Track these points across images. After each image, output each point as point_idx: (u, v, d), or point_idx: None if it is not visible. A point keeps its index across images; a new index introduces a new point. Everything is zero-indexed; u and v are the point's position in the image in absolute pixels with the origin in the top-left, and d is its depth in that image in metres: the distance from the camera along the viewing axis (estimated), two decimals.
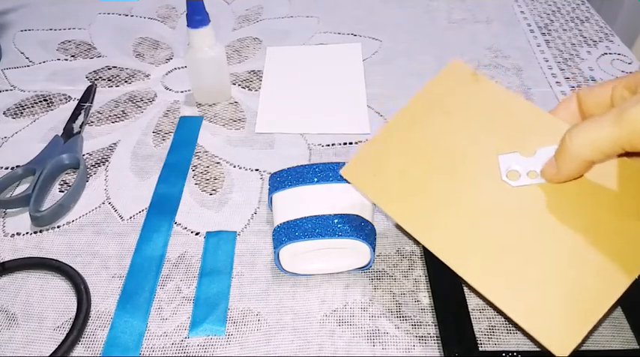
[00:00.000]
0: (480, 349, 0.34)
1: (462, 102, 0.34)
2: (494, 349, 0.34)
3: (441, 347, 0.34)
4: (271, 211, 0.41)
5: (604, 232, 0.29)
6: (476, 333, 0.34)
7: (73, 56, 0.61)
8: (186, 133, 0.51)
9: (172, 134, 0.51)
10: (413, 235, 0.33)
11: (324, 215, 0.37)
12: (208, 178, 0.46)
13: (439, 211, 0.32)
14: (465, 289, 0.37)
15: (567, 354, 0.27)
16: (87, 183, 0.46)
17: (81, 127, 0.51)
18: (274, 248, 0.37)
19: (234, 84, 0.57)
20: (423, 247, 0.39)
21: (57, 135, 0.49)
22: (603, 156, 0.27)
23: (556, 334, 0.27)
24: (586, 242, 0.29)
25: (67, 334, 0.35)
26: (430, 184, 0.33)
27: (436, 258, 0.36)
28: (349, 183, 0.37)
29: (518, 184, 0.30)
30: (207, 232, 0.42)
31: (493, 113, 0.33)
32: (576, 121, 0.32)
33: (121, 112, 0.53)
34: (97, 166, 0.48)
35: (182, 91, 0.56)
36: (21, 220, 0.43)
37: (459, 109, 0.34)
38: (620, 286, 0.28)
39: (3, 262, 0.39)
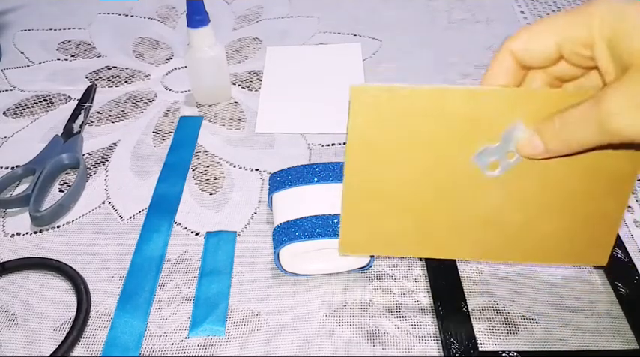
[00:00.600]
0: (480, 349, 0.34)
1: (396, 128, 0.29)
2: (494, 349, 0.34)
3: (441, 347, 0.34)
4: (271, 211, 0.41)
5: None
6: (476, 333, 0.34)
7: (73, 56, 0.61)
8: (186, 133, 0.51)
9: (172, 134, 0.51)
10: (439, 256, 0.33)
11: (324, 215, 0.37)
12: (208, 178, 0.46)
13: (443, 228, 0.32)
14: (465, 289, 0.37)
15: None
16: (87, 183, 0.46)
17: (81, 127, 0.51)
18: (274, 248, 0.37)
19: (234, 84, 0.57)
20: None
21: (57, 135, 0.49)
22: (589, 149, 0.26)
23: (591, 252, 0.31)
24: (575, 191, 0.30)
25: (67, 334, 0.35)
26: (420, 209, 0.32)
27: (436, 258, 0.36)
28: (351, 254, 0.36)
29: (504, 170, 0.30)
30: (207, 232, 0.42)
31: (436, 123, 0.29)
32: (515, 77, 0.29)
33: (121, 112, 0.53)
34: (97, 166, 0.48)
35: (182, 91, 0.56)
36: (21, 220, 0.43)
37: (399, 136, 0.30)
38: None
39: (3, 262, 0.39)
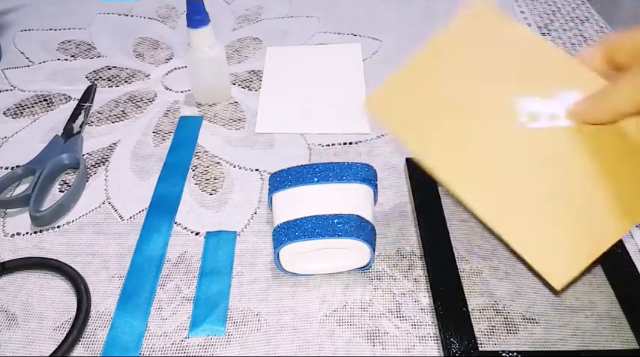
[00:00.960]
0: (480, 349, 0.34)
1: (485, 42, 0.33)
2: (494, 349, 0.34)
3: (441, 347, 0.34)
4: (271, 211, 0.41)
5: (616, 180, 0.30)
6: (476, 333, 0.34)
7: (73, 56, 0.61)
8: (186, 133, 0.51)
9: (172, 134, 0.51)
10: (429, 167, 0.33)
11: (324, 215, 0.37)
12: (208, 178, 0.46)
13: (456, 149, 0.33)
14: (465, 289, 0.37)
15: (562, 286, 0.30)
16: (87, 183, 0.46)
17: (81, 127, 0.51)
18: (274, 248, 0.37)
19: (234, 84, 0.57)
20: (423, 246, 0.39)
21: (57, 135, 0.49)
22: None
23: (555, 268, 0.30)
24: (597, 187, 0.30)
25: (67, 334, 0.35)
26: (449, 123, 0.33)
27: (436, 258, 0.37)
28: (372, 114, 0.37)
29: (537, 127, 0.31)
30: (207, 232, 0.42)
31: (517, 56, 0.32)
32: (602, 68, 0.31)
33: (121, 112, 0.53)
34: (97, 166, 0.48)
35: (182, 91, 0.56)
36: (21, 220, 0.43)
37: (482, 49, 0.33)
38: (621, 231, 0.30)
39: (3, 262, 0.39)
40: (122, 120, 0.53)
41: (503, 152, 0.32)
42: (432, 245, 0.39)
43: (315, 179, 0.39)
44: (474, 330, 0.34)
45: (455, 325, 0.34)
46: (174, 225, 0.43)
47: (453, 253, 0.38)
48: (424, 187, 0.43)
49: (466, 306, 0.35)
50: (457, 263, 0.38)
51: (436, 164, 0.33)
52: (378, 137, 0.50)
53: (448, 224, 0.40)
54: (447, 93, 0.33)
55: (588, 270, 0.33)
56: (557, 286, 0.30)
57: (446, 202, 0.43)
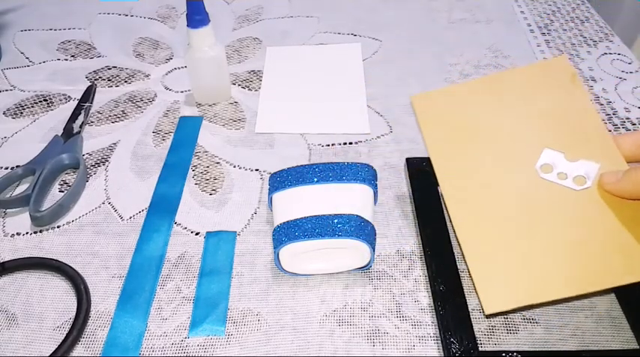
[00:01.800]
0: (480, 349, 0.34)
1: (543, 91, 0.36)
2: (494, 349, 0.34)
3: (441, 347, 0.34)
4: (271, 211, 0.41)
5: (598, 243, 0.31)
6: (476, 333, 0.34)
7: (73, 56, 0.61)
8: (186, 133, 0.51)
9: (172, 134, 0.51)
10: (436, 171, 0.36)
11: (324, 215, 0.37)
12: (208, 178, 0.46)
13: (467, 166, 0.36)
14: (465, 289, 0.37)
15: (491, 312, 0.31)
16: (87, 183, 0.46)
17: (81, 127, 0.51)
18: (274, 248, 0.37)
19: (234, 84, 0.57)
20: (423, 247, 0.39)
21: (57, 135, 0.49)
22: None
23: (495, 296, 0.31)
24: (577, 243, 0.32)
25: (67, 334, 0.35)
26: (474, 150, 0.36)
27: (436, 258, 0.37)
28: (414, 109, 0.40)
29: (547, 178, 0.33)
30: (207, 232, 0.42)
31: (564, 114, 0.34)
32: (631, 152, 0.33)
33: (121, 112, 0.53)
34: (97, 166, 0.48)
35: (182, 91, 0.56)
36: (21, 220, 0.43)
37: (538, 96, 0.36)
38: (574, 290, 0.31)
39: (3, 262, 0.39)
40: (122, 120, 0.53)
41: (506, 184, 0.34)
42: (432, 245, 0.39)
43: (315, 179, 0.39)
44: (474, 330, 0.34)
45: (455, 325, 0.34)
46: (174, 225, 0.43)
47: (453, 253, 0.38)
48: (424, 187, 0.43)
49: (466, 306, 0.35)
50: (457, 263, 0.38)
51: (443, 173, 0.36)
52: (378, 137, 0.50)
53: (448, 224, 0.41)
54: (486, 120, 0.36)
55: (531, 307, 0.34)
56: (487, 311, 0.31)
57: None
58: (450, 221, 0.35)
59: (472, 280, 0.32)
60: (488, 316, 0.34)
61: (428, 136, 0.37)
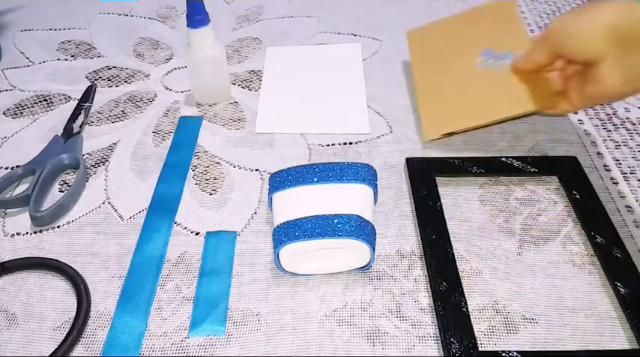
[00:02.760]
0: (480, 349, 0.34)
1: (485, 22, 0.52)
2: (494, 349, 0.34)
3: (440, 347, 0.34)
4: (271, 211, 0.41)
5: (517, 86, 0.45)
6: (476, 333, 0.34)
7: (73, 56, 0.61)
8: (186, 133, 0.51)
9: (172, 134, 0.51)
10: (411, 60, 0.55)
11: (324, 215, 0.37)
12: (208, 178, 0.46)
13: (432, 62, 0.53)
14: (465, 289, 0.37)
15: (428, 139, 0.48)
16: (87, 183, 0.46)
17: (81, 127, 0.51)
18: (274, 248, 0.37)
19: (234, 84, 0.57)
20: (423, 247, 0.39)
21: (57, 135, 0.49)
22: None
23: (432, 128, 0.48)
24: (491, 90, 0.47)
25: (67, 334, 0.35)
26: (439, 54, 0.53)
27: (436, 258, 0.37)
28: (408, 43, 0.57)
29: (483, 66, 0.49)
30: (207, 232, 0.42)
31: (499, 32, 0.51)
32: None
33: (120, 112, 0.53)
34: (97, 166, 0.48)
35: (182, 91, 0.56)
36: (21, 220, 0.43)
37: (480, 25, 0.52)
38: (486, 119, 0.46)
39: (3, 262, 0.39)
40: (122, 120, 0.53)
41: (455, 64, 0.50)
42: (432, 245, 0.39)
43: (315, 179, 0.39)
44: (474, 330, 0.34)
45: (455, 325, 0.34)
46: (174, 225, 0.43)
47: (453, 254, 0.38)
48: (424, 187, 0.43)
49: (466, 306, 0.35)
50: (457, 263, 0.38)
51: (415, 59, 0.54)
52: (378, 137, 0.50)
53: (448, 224, 0.41)
54: (452, 41, 0.53)
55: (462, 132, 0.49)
56: (427, 138, 0.48)
57: (446, 202, 0.43)
58: (413, 79, 0.53)
59: (420, 118, 0.50)
60: (429, 141, 0.48)
61: (412, 50, 0.56)
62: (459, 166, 0.45)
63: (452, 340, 0.33)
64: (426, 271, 0.38)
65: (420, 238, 0.40)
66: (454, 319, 0.35)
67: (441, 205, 0.42)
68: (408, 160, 0.45)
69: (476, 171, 0.44)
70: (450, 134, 0.48)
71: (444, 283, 0.36)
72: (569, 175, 0.44)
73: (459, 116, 0.47)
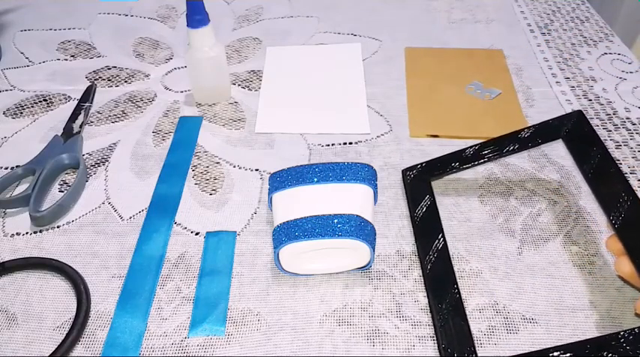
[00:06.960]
0: (480, 349, 0.34)
1: (486, 65, 0.59)
2: (494, 349, 0.34)
3: (440, 347, 0.34)
4: (271, 211, 0.41)
5: (481, 116, 0.52)
6: (476, 333, 0.34)
7: (72, 56, 0.61)
8: (186, 133, 0.51)
9: (172, 134, 0.51)
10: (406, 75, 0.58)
11: (324, 215, 0.37)
12: (208, 178, 0.46)
13: (425, 82, 0.56)
14: (465, 289, 0.37)
15: (413, 136, 0.50)
16: (87, 183, 0.46)
17: (81, 127, 0.51)
18: (274, 248, 0.37)
19: (234, 84, 0.57)
20: (418, 251, 0.39)
21: (57, 135, 0.49)
22: None
23: (417, 129, 0.51)
24: (473, 114, 0.52)
25: (67, 334, 0.35)
26: (432, 78, 0.57)
27: (436, 258, 0.36)
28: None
29: (472, 93, 0.54)
30: (207, 232, 0.42)
31: (490, 71, 0.57)
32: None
33: (120, 112, 0.53)
34: (96, 166, 0.48)
35: (182, 91, 0.56)
36: (21, 220, 0.43)
37: (476, 63, 0.59)
38: (464, 134, 0.50)
39: (3, 262, 0.39)
40: (122, 120, 0.53)
41: (450, 90, 0.55)
42: (428, 250, 0.39)
43: (315, 179, 0.39)
44: (474, 330, 0.34)
45: (454, 325, 0.34)
46: (174, 225, 0.43)
47: (449, 254, 0.38)
48: (420, 201, 0.43)
49: (465, 306, 0.35)
50: (457, 263, 0.38)
51: (411, 82, 0.57)
52: (378, 137, 0.50)
53: (448, 224, 0.40)
54: (445, 67, 0.58)
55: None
56: (411, 135, 0.50)
57: (446, 203, 0.43)
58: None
59: (409, 119, 0.52)
60: (412, 136, 0.50)
61: (408, 64, 0.59)
62: (466, 157, 0.43)
63: (451, 340, 0.33)
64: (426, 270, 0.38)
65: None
66: (453, 320, 0.34)
67: (437, 212, 0.41)
68: (403, 171, 0.45)
69: (482, 154, 0.42)
70: (435, 136, 0.50)
71: (443, 284, 0.36)
72: (574, 132, 0.40)
73: (445, 124, 0.51)
